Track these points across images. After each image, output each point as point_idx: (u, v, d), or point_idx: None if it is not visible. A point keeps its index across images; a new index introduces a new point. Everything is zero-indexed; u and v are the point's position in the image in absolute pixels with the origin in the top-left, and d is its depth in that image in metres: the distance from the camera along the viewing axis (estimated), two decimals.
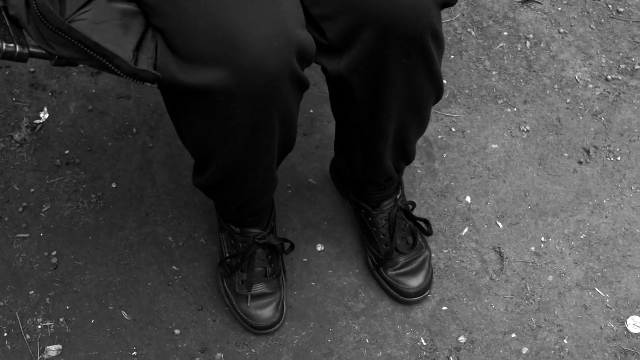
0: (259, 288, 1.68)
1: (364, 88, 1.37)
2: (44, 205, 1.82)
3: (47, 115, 1.93)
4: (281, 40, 1.18)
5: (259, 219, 1.66)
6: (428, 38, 1.29)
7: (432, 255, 1.79)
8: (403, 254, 1.73)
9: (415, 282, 1.72)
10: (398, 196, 1.73)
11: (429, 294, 1.74)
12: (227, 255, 1.70)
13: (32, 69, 1.98)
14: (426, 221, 1.77)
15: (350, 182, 1.73)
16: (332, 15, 1.28)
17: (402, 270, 1.72)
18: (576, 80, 2.06)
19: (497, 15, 2.15)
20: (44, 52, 1.18)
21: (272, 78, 1.19)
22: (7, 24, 1.18)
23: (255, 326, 1.67)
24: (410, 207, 1.75)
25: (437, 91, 1.43)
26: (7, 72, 1.97)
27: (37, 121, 1.92)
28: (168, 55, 1.21)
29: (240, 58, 1.16)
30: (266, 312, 1.66)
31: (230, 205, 1.59)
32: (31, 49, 1.17)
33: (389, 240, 1.71)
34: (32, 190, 1.84)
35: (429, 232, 1.76)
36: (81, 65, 1.98)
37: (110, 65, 1.13)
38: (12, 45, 1.15)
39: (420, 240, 1.75)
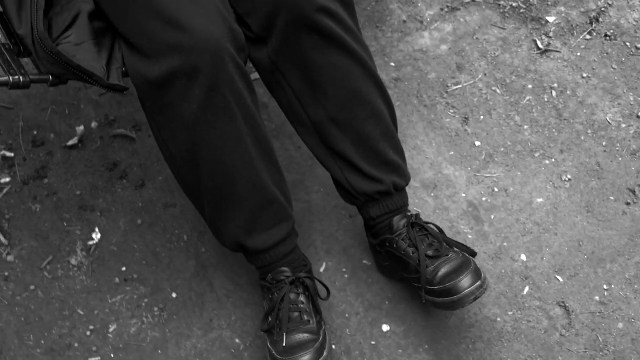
0: (296, 334, 1.65)
1: (294, 72, 1.62)
2: (109, 326, 1.85)
3: (99, 235, 1.97)
4: (217, 25, 1.47)
5: (285, 261, 1.69)
6: (319, 17, 1.55)
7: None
8: (436, 258, 1.66)
9: (460, 275, 1.61)
10: (409, 214, 1.74)
11: (482, 285, 1.61)
12: (265, 312, 1.70)
13: (78, 192, 2.03)
14: (463, 245, 1.73)
15: (367, 226, 1.77)
16: (252, 10, 1.58)
17: (443, 273, 1.63)
18: (608, 121, 2.08)
19: (519, 69, 2.18)
20: (42, 77, 1.51)
21: (214, 54, 1.46)
22: (9, 59, 1.50)
23: None
24: (433, 227, 1.74)
25: (372, 79, 1.64)
26: (54, 199, 2.02)
27: (90, 242, 1.96)
28: (133, 57, 1.51)
29: (187, 42, 1.44)
30: (302, 352, 1.62)
31: (243, 235, 1.65)
32: (31, 77, 1.50)
33: (417, 255, 1.68)
34: (96, 312, 1.87)
35: (472, 253, 1.71)
36: (124, 181, 2.03)
37: (89, 81, 1.48)
38: (16, 77, 1.48)
39: (455, 249, 1.70)
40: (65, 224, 1.99)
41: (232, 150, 1.56)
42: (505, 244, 1.91)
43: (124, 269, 1.92)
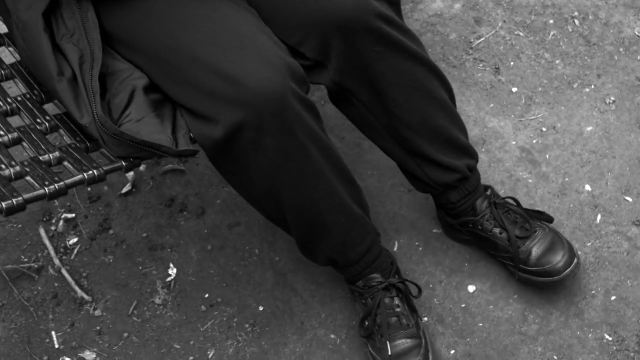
0: (398, 340, 1.68)
1: (362, 87, 1.58)
2: (208, 352, 1.89)
3: (175, 270, 2.02)
4: (274, 68, 1.42)
5: (375, 265, 1.70)
6: (377, 24, 1.50)
7: (576, 247, 1.79)
8: (527, 238, 1.71)
9: (557, 256, 1.68)
10: (488, 193, 1.75)
11: (578, 262, 1.69)
12: (362, 316, 1.73)
13: (144, 234, 2.08)
14: (538, 212, 1.76)
15: (445, 208, 1.78)
16: (304, 38, 1.53)
17: (538, 254, 1.70)
18: (637, 35, 2.07)
19: (536, 7, 2.18)
20: (115, 166, 1.48)
21: (279, 99, 1.41)
22: (78, 157, 1.48)
23: None
24: (511, 200, 1.77)
25: (434, 73, 1.62)
26: (124, 247, 2.07)
27: (169, 279, 2.01)
28: (196, 121, 1.47)
29: (246, 93, 1.39)
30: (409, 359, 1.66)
31: (337, 257, 1.66)
32: (105, 169, 1.47)
33: (507, 235, 1.72)
34: (191, 342, 1.91)
35: (549, 219, 1.75)
36: (185, 213, 2.08)
37: (159, 153, 1.44)
38: (90, 172, 1.46)
39: (538, 223, 1.74)
40: (140, 267, 2.04)
41: (314, 185, 1.54)
42: (567, 179, 1.91)
43: (207, 295, 1.97)
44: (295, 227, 1.63)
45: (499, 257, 1.77)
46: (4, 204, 1.37)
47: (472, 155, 1.74)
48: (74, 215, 2.10)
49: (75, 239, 2.07)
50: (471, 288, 1.84)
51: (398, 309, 1.71)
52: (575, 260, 1.68)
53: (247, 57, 1.42)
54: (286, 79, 1.42)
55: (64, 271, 2.02)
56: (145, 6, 1.50)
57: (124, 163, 1.49)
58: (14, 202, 1.38)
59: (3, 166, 1.44)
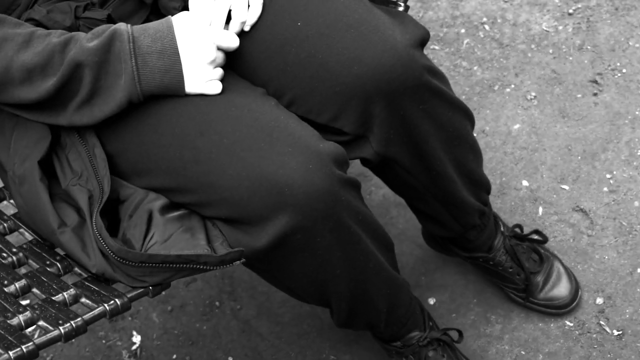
0: None
1: (405, 153, 1.41)
2: None
3: (139, 337, 2.01)
4: (313, 156, 1.24)
5: (410, 322, 1.60)
6: (427, 78, 1.34)
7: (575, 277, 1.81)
8: (538, 273, 1.73)
9: (564, 289, 1.73)
10: (502, 229, 1.71)
11: (581, 294, 1.76)
12: None
13: None
14: (538, 232, 1.77)
15: (453, 241, 1.70)
16: (338, 113, 1.33)
17: (547, 287, 1.73)
18: (545, 30, 2.15)
19: (446, 19, 2.25)
20: (140, 292, 1.26)
21: (326, 196, 1.24)
22: (96, 289, 1.28)
23: None
24: (518, 230, 1.76)
25: (466, 115, 1.48)
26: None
27: (134, 347, 2.00)
28: (233, 230, 1.27)
29: (291, 196, 1.22)
30: None
31: (378, 323, 1.55)
32: (128, 296, 1.26)
33: (519, 269, 1.72)
34: None
35: (545, 240, 1.76)
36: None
37: (199, 267, 1.22)
38: (112, 302, 1.24)
39: (543, 251, 1.76)
40: (104, 341, 2.02)
41: (363, 266, 1.38)
42: (504, 178, 1.96)
43: (175, 356, 1.96)
44: (338, 308, 1.46)
45: (503, 286, 1.76)
46: (11, 354, 1.16)
47: (488, 190, 1.62)
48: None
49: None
50: (431, 300, 1.86)
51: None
52: (579, 293, 1.75)
53: (282, 152, 1.23)
54: (330, 168, 1.24)
55: None
56: (153, 121, 1.29)
57: (151, 287, 1.27)
58: (24, 350, 1.16)
59: (9, 314, 1.23)
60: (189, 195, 1.29)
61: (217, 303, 2.01)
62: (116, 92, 1.25)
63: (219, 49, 1.30)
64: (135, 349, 1.99)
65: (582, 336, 1.74)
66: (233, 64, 1.36)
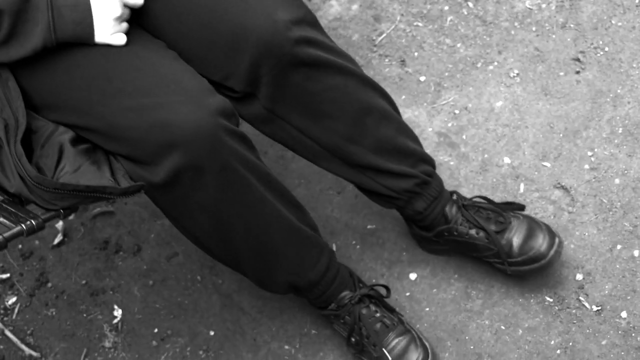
0: (392, 342, 1.71)
1: (294, 112, 1.60)
2: None
3: (120, 311, 2.00)
4: (202, 106, 1.44)
5: (338, 282, 1.71)
6: (299, 47, 1.52)
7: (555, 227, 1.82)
8: (504, 231, 1.72)
9: (538, 240, 1.69)
10: (454, 197, 1.76)
11: (560, 241, 1.70)
12: (347, 334, 1.75)
13: (83, 282, 2.06)
14: (508, 203, 1.78)
15: (415, 222, 1.79)
16: (230, 73, 1.55)
17: (521, 242, 1.71)
18: (529, 8, 2.15)
19: None
20: (53, 214, 1.44)
21: (212, 139, 1.43)
22: (13, 210, 1.43)
23: None
24: (480, 199, 1.79)
25: (369, 85, 1.63)
26: (65, 297, 2.05)
27: (115, 321, 2.00)
28: (133, 166, 1.48)
29: (180, 135, 1.42)
30: (411, 356, 1.70)
31: (299, 282, 1.66)
32: (43, 217, 1.42)
33: (485, 233, 1.73)
34: None
35: (520, 207, 1.76)
36: (121, 253, 2.07)
37: (104, 196, 1.42)
38: (29, 223, 1.40)
39: (512, 214, 1.76)
40: (85, 315, 2.02)
41: (260, 213, 1.56)
42: (486, 155, 1.97)
43: (156, 330, 1.96)
44: (248, 262, 1.63)
45: (483, 257, 1.77)
46: None
47: (427, 161, 1.72)
48: (8, 275, 2.07)
49: (14, 299, 2.04)
50: (412, 276, 1.87)
51: (378, 314, 1.72)
52: (557, 240, 1.69)
53: (176, 100, 1.43)
54: (215, 117, 1.44)
55: (7, 332, 1.99)
56: (64, 64, 1.49)
57: (62, 211, 1.46)
58: None
59: None
60: (94, 133, 1.49)
61: (198, 277, 2.01)
62: (32, 37, 1.43)
63: (125, 5, 1.51)
64: (117, 323, 1.99)
65: (562, 311, 1.76)
66: (139, 19, 1.56)
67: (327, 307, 1.74)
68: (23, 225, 1.40)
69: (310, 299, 1.75)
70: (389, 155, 1.67)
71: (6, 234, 1.38)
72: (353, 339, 1.74)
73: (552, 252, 1.68)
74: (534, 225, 1.71)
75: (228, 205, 1.51)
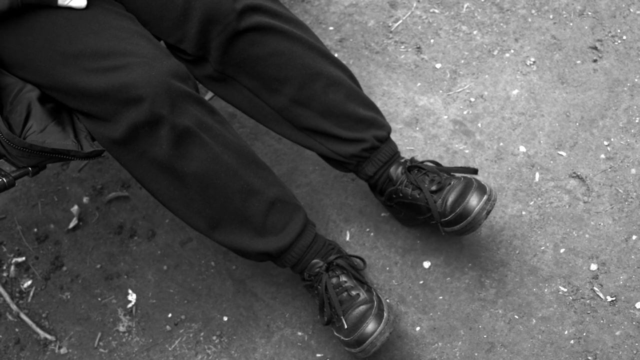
0: (353, 312, 1.68)
1: (243, 73, 1.68)
2: None
3: (134, 295, 2.01)
4: (155, 67, 1.53)
5: (312, 252, 1.72)
6: (244, 18, 1.62)
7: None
8: (440, 191, 1.69)
9: (467, 197, 1.64)
10: (402, 160, 1.77)
11: (490, 198, 1.64)
12: (318, 305, 1.75)
13: (98, 266, 2.07)
14: (462, 167, 1.74)
15: (373, 187, 1.82)
16: (182, 37, 1.65)
17: (452, 201, 1.66)
18: None
19: None
20: (22, 172, 1.56)
21: (165, 98, 1.53)
22: None
23: (358, 339, 1.65)
24: (430, 163, 1.78)
25: (317, 52, 1.69)
26: (80, 281, 2.06)
27: (129, 305, 2.01)
28: (93, 123, 1.57)
29: (136, 95, 1.51)
30: (363, 322, 1.66)
31: (270, 249, 1.68)
32: (13, 175, 1.55)
33: (422, 194, 1.71)
34: None
35: (473, 171, 1.73)
36: (136, 237, 2.08)
37: (67, 158, 1.54)
38: (0, 180, 1.53)
39: (458, 175, 1.73)
40: (99, 299, 2.03)
41: (215, 172, 1.61)
42: (501, 144, 1.96)
43: (170, 315, 1.97)
44: (214, 227, 1.67)
45: (427, 220, 1.75)
46: None
47: (379, 127, 1.75)
48: (24, 258, 2.09)
49: (29, 282, 2.05)
50: (426, 264, 1.87)
51: (345, 285, 1.72)
52: (485, 197, 1.63)
53: (132, 62, 1.52)
54: (168, 77, 1.53)
55: (22, 315, 2.00)
56: (29, 24, 1.58)
57: (30, 168, 1.57)
58: None
59: None
60: (56, 92, 1.58)
61: (212, 263, 2.01)
62: None
63: None
64: (131, 307, 2.00)
65: (576, 302, 1.76)
66: None
67: (304, 277, 1.76)
68: None
69: (288, 268, 1.77)
70: (338, 121, 1.72)
71: None
72: (325, 311, 1.73)
73: (477, 208, 1.62)
74: (470, 184, 1.67)
75: (182, 161, 1.58)
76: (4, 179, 1.55)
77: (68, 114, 1.63)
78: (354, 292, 1.71)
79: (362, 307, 1.69)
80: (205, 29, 1.64)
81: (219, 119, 1.63)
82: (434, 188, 1.71)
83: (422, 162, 1.79)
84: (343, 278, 1.73)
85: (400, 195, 1.76)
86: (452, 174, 1.74)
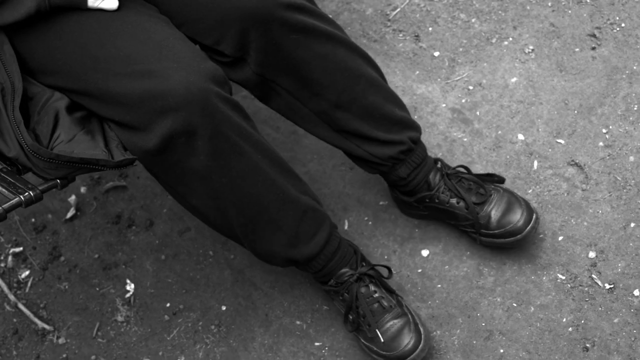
0: (387, 324, 1.71)
1: (284, 76, 1.63)
2: (178, 359, 1.90)
3: (132, 285, 2.01)
4: (194, 73, 1.45)
5: (339, 258, 1.71)
6: (287, 13, 1.56)
7: (534, 205, 1.82)
8: (484, 203, 1.75)
9: (516, 215, 1.72)
10: (439, 165, 1.79)
11: (537, 217, 1.73)
12: (344, 312, 1.75)
13: (96, 255, 2.07)
14: (489, 175, 1.79)
15: (397, 187, 1.81)
16: (221, 37, 1.57)
17: (498, 216, 1.73)
18: None
19: None
20: (51, 185, 1.47)
21: (203, 104, 1.45)
22: (12, 180, 1.45)
23: (399, 356, 1.69)
24: (462, 169, 1.81)
25: (357, 53, 1.66)
26: (78, 271, 2.06)
27: (127, 295, 2.00)
28: (126, 133, 1.49)
29: (173, 103, 1.43)
30: (403, 339, 1.68)
31: (296, 256, 1.67)
32: (40, 188, 1.46)
33: (465, 204, 1.75)
34: (160, 353, 1.91)
35: (501, 180, 1.79)
36: (133, 227, 2.07)
37: (98, 168, 1.44)
38: (27, 194, 1.44)
39: (492, 186, 1.77)
40: (97, 288, 2.03)
41: (253, 182, 1.56)
42: (499, 132, 1.96)
43: (168, 304, 1.97)
44: (244, 233, 1.63)
45: (459, 226, 1.80)
46: None
47: (414, 128, 1.75)
48: (21, 248, 2.08)
49: (27, 272, 2.05)
50: (425, 252, 1.87)
51: (376, 295, 1.72)
52: (534, 216, 1.71)
53: (167, 66, 1.44)
54: (207, 83, 1.45)
55: (20, 305, 2.00)
56: (57, 28, 1.50)
57: (58, 180, 1.49)
58: None
59: None
60: (87, 98, 1.50)
61: (210, 252, 2.01)
62: (26, 1, 1.45)
63: None
64: (129, 297, 2.00)
65: (574, 289, 1.76)
66: None
67: (328, 282, 1.75)
68: (22, 197, 1.43)
69: (311, 273, 1.75)
70: (376, 123, 1.70)
71: (5, 206, 1.42)
72: (350, 317, 1.74)
73: (528, 228, 1.71)
74: (513, 200, 1.74)
75: (220, 172, 1.52)
76: (30, 192, 1.45)
77: (98, 122, 1.55)
78: (385, 304, 1.71)
79: (398, 322, 1.70)
80: (246, 28, 1.56)
81: (253, 124, 1.58)
82: (475, 199, 1.74)
83: (454, 168, 1.80)
84: (372, 288, 1.72)
85: (436, 201, 1.78)
86: (487, 184, 1.77)
